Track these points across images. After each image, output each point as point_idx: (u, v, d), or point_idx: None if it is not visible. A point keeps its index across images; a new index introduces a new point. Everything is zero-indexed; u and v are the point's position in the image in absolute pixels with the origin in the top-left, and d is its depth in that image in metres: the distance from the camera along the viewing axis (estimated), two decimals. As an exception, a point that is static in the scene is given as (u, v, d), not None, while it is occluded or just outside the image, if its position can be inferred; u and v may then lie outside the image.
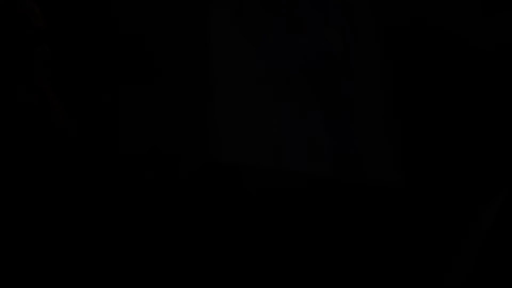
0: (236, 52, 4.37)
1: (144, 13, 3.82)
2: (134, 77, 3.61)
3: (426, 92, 5.03)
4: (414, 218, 4.35)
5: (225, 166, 3.27)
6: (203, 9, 4.49)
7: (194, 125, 4.16)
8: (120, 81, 3.39)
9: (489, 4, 5.03)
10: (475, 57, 5.14)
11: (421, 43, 5.20)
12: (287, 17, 4.63)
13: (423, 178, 4.63)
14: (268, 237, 3.74)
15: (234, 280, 2.97)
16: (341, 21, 4.87)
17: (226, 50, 4.32)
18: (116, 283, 2.87)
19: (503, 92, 4.98)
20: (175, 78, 4.19)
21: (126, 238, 3.07)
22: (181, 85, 4.21)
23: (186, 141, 4.03)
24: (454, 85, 5.23)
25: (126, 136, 3.56)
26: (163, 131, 4.01)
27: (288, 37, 4.66)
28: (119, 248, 3.00)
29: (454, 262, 1.99)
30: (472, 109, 5.06)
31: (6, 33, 1.77)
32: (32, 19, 1.81)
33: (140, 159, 3.05)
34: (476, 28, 4.72)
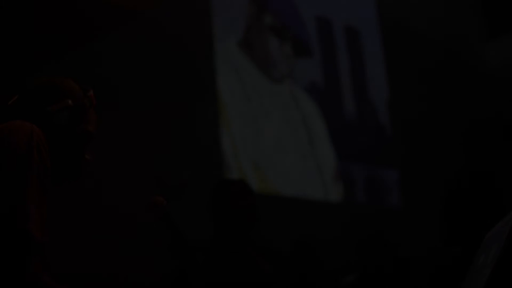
0: (243, 77, 4.36)
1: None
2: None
3: (425, 120, 5.01)
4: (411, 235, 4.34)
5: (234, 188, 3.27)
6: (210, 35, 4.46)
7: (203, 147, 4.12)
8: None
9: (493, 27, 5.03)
10: (476, 80, 5.13)
11: (424, 66, 5.18)
12: (293, 41, 4.62)
13: (419, 201, 4.63)
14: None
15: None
16: (347, 44, 4.87)
17: (232, 75, 4.31)
18: None
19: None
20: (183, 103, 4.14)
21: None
22: (188, 109, 4.17)
23: (195, 165, 3.98)
24: (451, 108, 5.22)
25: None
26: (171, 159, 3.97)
27: (295, 60, 4.66)
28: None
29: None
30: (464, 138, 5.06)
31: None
32: (89, 124, 1.86)
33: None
34: (479, 51, 4.75)
